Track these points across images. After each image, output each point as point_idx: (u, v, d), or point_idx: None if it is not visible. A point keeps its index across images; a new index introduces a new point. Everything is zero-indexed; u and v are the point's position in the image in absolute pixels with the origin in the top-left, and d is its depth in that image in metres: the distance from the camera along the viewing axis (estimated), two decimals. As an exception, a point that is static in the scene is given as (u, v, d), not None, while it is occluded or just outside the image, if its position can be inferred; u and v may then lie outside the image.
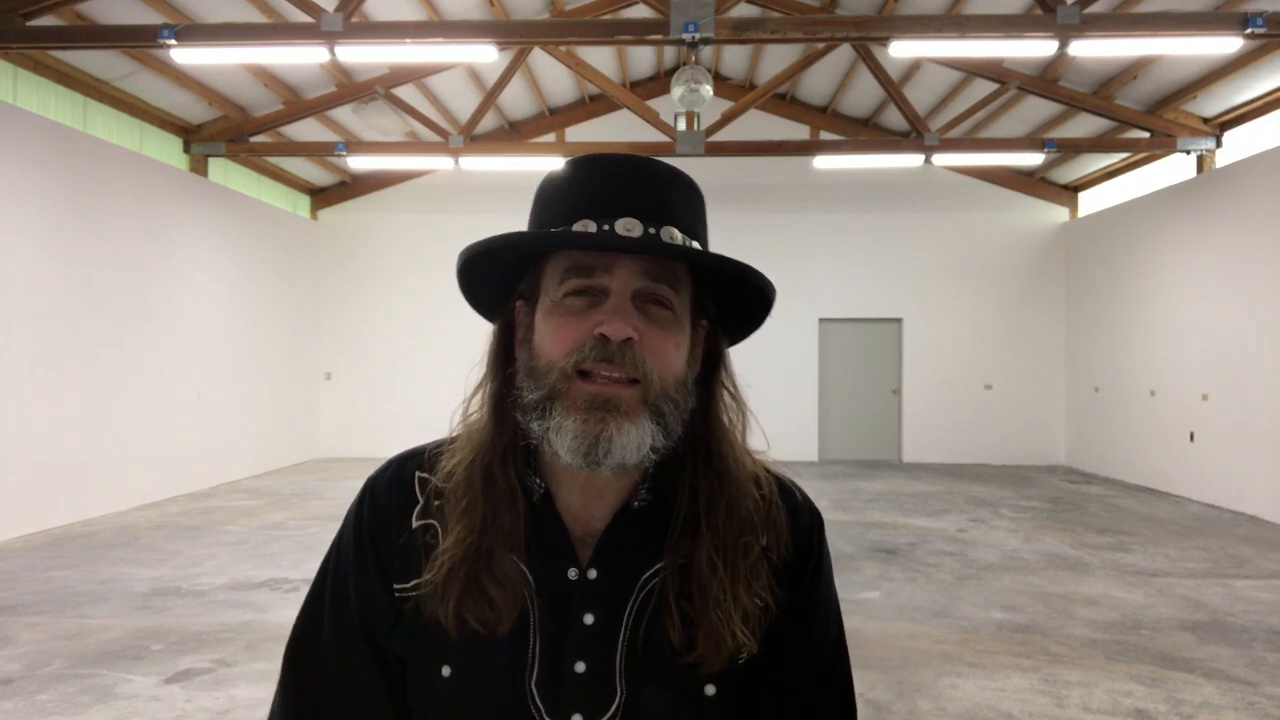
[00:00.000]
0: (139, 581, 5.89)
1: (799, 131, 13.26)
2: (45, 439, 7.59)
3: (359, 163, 11.10)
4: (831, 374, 13.55)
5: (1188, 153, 10.02)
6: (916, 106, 11.39)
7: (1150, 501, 9.73)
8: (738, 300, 0.95)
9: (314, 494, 9.82)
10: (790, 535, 0.95)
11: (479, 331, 0.98)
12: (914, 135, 10.34)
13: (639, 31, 7.75)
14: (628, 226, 0.86)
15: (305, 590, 1.00)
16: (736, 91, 12.78)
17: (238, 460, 10.91)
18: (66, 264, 7.90)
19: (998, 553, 6.99)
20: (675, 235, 0.88)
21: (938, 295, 13.35)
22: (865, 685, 4.02)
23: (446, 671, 0.89)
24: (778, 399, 12.95)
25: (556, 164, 1.00)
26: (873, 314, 13.49)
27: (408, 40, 7.18)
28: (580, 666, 0.88)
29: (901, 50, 7.55)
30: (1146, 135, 10.12)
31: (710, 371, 0.96)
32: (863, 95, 12.45)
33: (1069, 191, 13.27)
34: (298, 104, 10.46)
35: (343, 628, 0.94)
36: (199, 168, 10.43)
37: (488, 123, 12.71)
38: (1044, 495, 10.14)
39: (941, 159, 11.01)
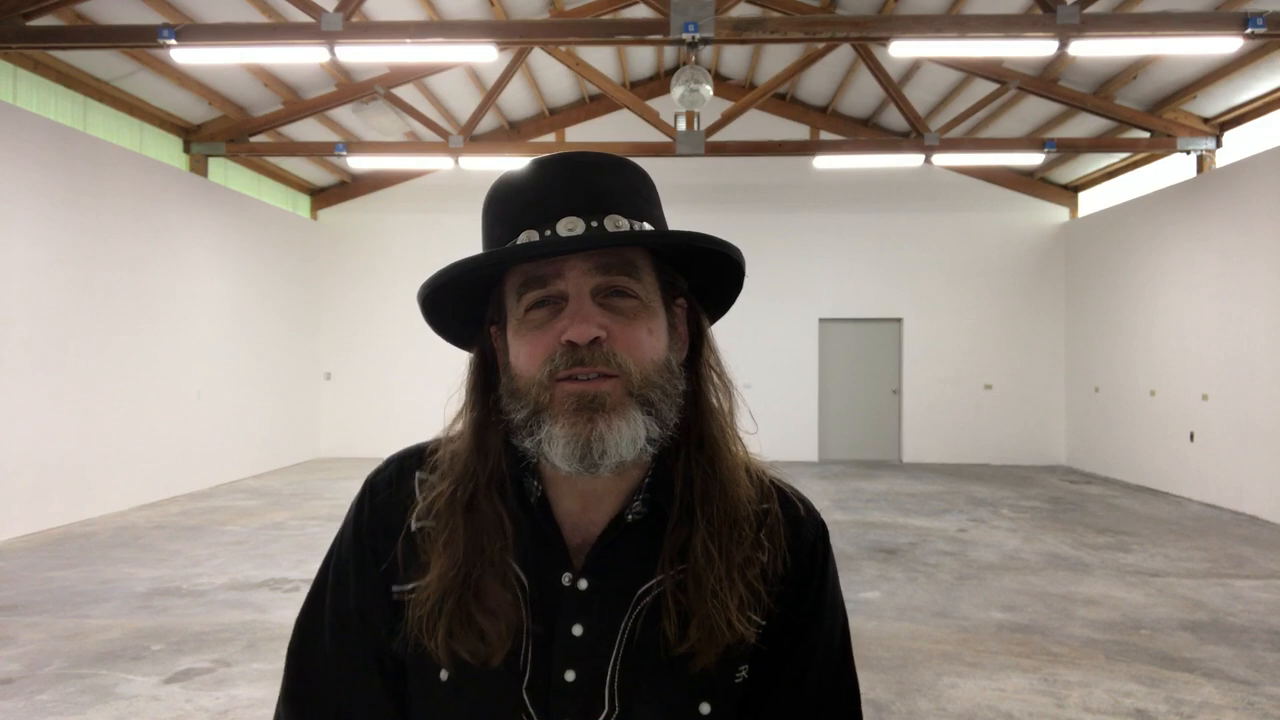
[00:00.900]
0: (139, 581, 5.89)
1: (799, 131, 13.26)
2: (45, 439, 7.59)
3: (359, 163, 11.10)
4: (831, 374, 13.55)
5: (1188, 153, 10.02)
6: (916, 106, 11.40)
7: (1150, 501, 9.73)
8: (708, 271, 0.93)
9: (314, 494, 9.82)
10: (791, 552, 0.93)
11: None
12: (914, 135, 10.33)
13: (639, 31, 7.75)
14: (570, 226, 0.84)
15: (305, 590, 1.00)
16: (736, 91, 12.78)
17: (238, 460, 10.91)
18: (66, 264, 7.91)
19: (998, 553, 6.99)
20: (621, 223, 0.86)
21: (938, 295, 13.35)
22: (865, 685, 4.02)
23: (444, 675, 0.88)
24: (778, 399, 12.96)
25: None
26: (873, 314, 13.49)
27: (408, 40, 7.18)
28: (570, 675, 0.87)
29: (901, 50, 7.55)
30: (1146, 135, 10.12)
31: (695, 353, 0.94)
32: (863, 95, 12.44)
33: (1069, 191, 13.27)
34: (298, 104, 10.46)
35: (343, 632, 0.94)
36: (199, 168, 10.43)
37: (488, 123, 12.72)
38: (1044, 495, 10.14)
39: (941, 159, 11.01)
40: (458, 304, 0.93)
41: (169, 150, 10.05)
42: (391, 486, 0.96)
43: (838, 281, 13.44)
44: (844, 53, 10.69)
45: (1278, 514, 8.46)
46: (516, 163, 0.90)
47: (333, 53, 7.21)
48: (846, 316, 13.51)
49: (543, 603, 0.88)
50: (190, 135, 10.25)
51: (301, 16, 7.53)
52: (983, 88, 10.59)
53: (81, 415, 8.05)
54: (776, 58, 12.12)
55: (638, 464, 0.88)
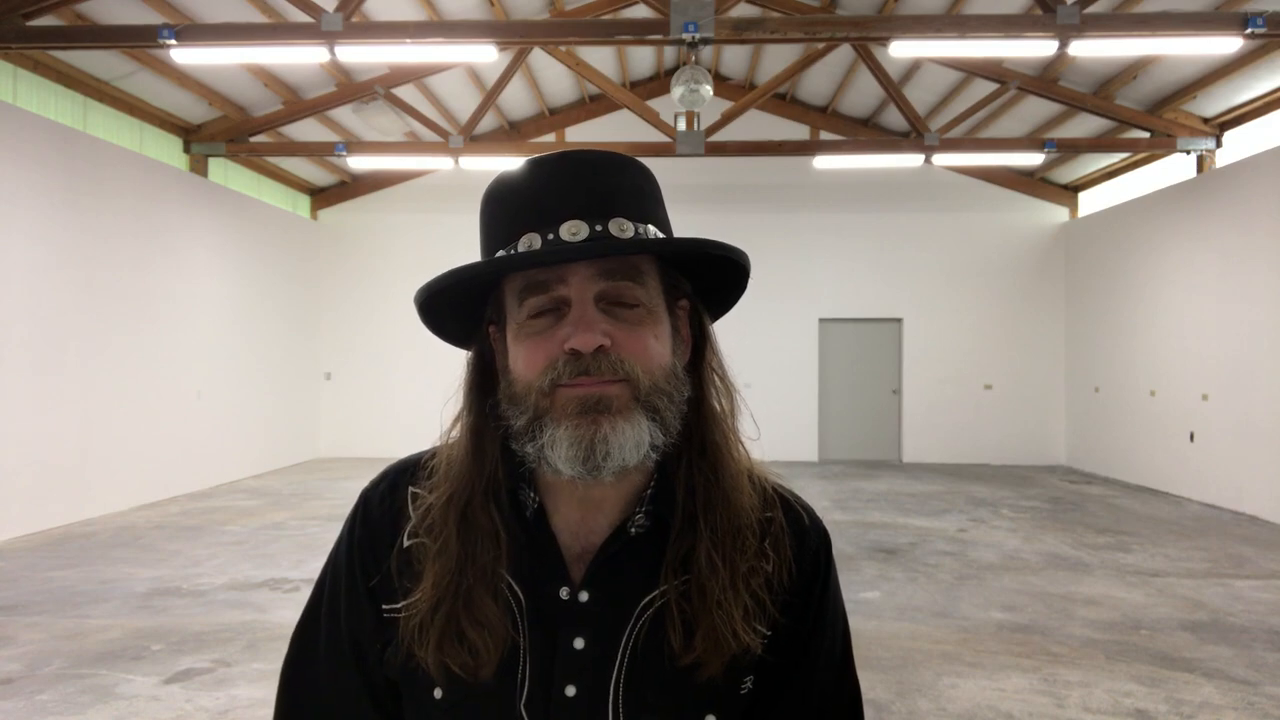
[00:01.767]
0: (139, 581, 5.89)
1: (799, 131, 13.26)
2: (45, 439, 7.59)
3: (359, 163, 11.09)
4: (831, 374, 13.55)
5: (1188, 153, 10.02)
6: (916, 106, 11.40)
7: (1150, 501, 9.73)
8: (712, 272, 0.91)
9: (314, 494, 9.82)
10: (796, 562, 0.91)
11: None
12: (914, 135, 10.33)
13: (639, 31, 7.75)
14: (573, 230, 0.82)
15: (305, 590, 1.00)
16: (736, 91, 12.78)
17: (238, 460, 10.91)
18: (66, 264, 7.91)
19: (998, 553, 6.99)
20: (625, 225, 0.83)
21: (938, 295, 13.35)
22: (866, 685, 4.01)
23: (439, 694, 0.86)
24: (778, 399, 12.96)
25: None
26: (873, 314, 13.49)
27: (408, 40, 7.18)
28: (570, 690, 0.85)
29: (901, 50, 7.55)
30: (1146, 135, 10.12)
31: (697, 354, 0.92)
32: (863, 95, 12.44)
33: (1069, 191, 13.27)
34: (298, 104, 10.46)
35: (335, 653, 0.93)
36: (199, 168, 10.43)
37: (488, 123, 12.71)
38: (1044, 495, 10.14)
39: (941, 159, 11.01)
40: (455, 304, 0.91)
41: (169, 150, 10.05)
42: (385, 501, 0.94)
43: (838, 281, 13.44)
44: (844, 53, 10.69)
45: (1278, 514, 8.45)
46: (517, 163, 0.89)
47: (333, 53, 7.21)
48: (846, 316, 13.51)
49: (540, 616, 0.86)
50: (190, 135, 10.25)
51: (301, 16, 7.53)
52: (983, 88, 10.59)
53: (81, 415, 8.05)
54: (776, 58, 12.12)
55: (639, 470, 0.86)
